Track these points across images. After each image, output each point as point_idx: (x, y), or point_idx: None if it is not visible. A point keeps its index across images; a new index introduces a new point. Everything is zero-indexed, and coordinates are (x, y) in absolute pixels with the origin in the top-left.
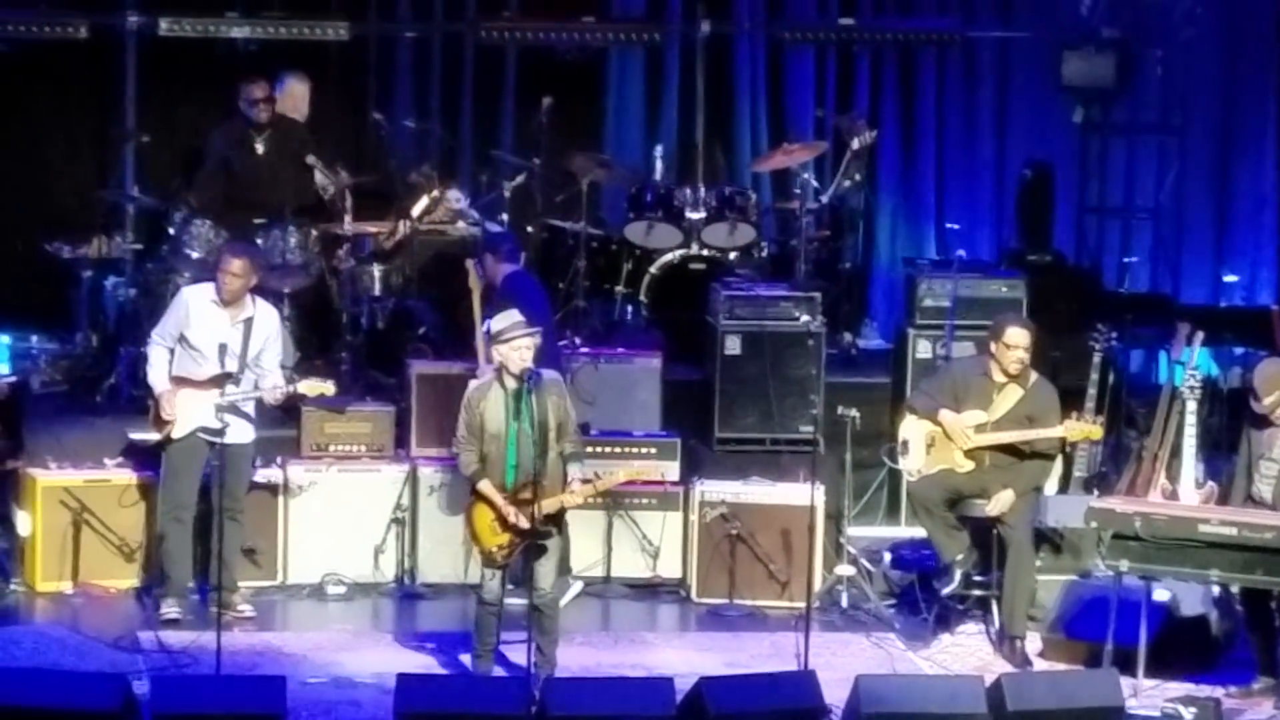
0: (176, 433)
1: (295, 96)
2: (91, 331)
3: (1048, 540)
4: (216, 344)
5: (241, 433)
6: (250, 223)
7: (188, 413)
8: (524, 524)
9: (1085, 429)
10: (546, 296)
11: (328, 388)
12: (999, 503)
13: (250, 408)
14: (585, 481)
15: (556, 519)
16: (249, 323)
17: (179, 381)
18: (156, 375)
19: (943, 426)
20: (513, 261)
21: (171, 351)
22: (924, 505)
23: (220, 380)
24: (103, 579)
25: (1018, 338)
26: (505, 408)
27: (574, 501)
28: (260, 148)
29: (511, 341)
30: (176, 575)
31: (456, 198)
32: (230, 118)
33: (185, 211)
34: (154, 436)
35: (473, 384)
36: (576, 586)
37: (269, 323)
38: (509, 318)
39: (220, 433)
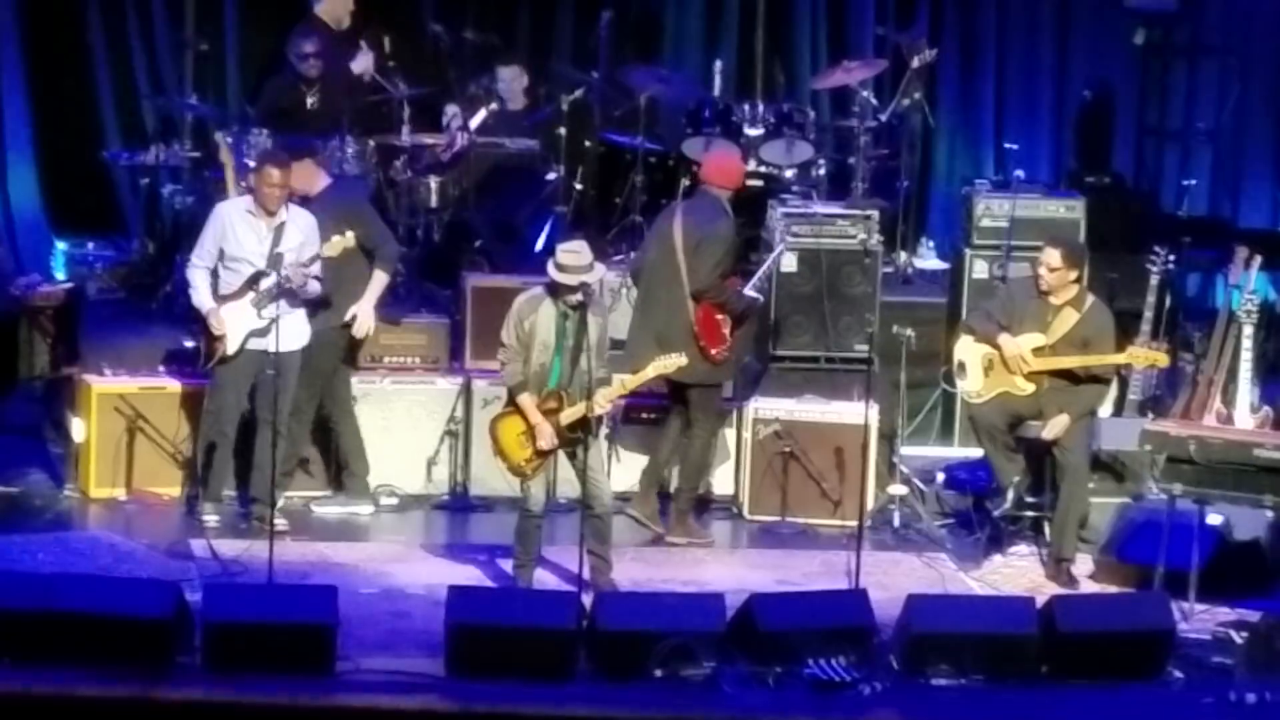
0: (231, 349)
1: (337, 3)
2: (148, 239)
3: (1102, 463)
4: (255, 254)
5: (291, 339)
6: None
7: (235, 326)
8: (553, 441)
9: (1150, 355)
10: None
11: (349, 240)
12: (1055, 427)
13: (292, 305)
14: (606, 384)
15: (585, 428)
16: (281, 227)
17: (222, 300)
18: (201, 296)
19: (1000, 350)
20: (328, 171)
21: (213, 274)
22: (988, 430)
23: (254, 280)
24: (156, 486)
25: (1045, 255)
26: (556, 326)
27: (602, 409)
28: (310, 101)
29: (573, 278)
30: (215, 484)
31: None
32: (282, 71)
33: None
34: (211, 361)
35: (523, 296)
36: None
37: (301, 225)
38: (576, 255)
39: (266, 331)
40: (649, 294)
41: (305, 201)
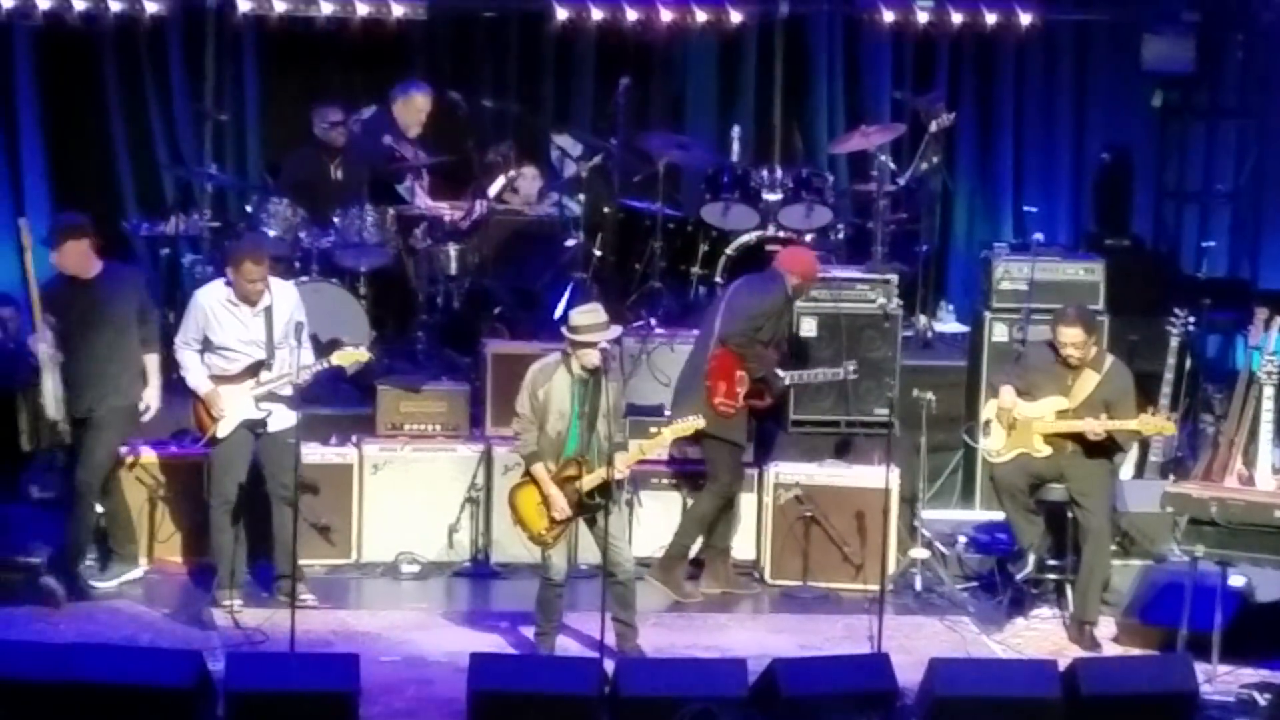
0: (221, 432)
1: (417, 108)
2: (168, 309)
3: (1123, 526)
4: (241, 340)
5: (280, 420)
6: (327, 205)
7: (231, 410)
8: (566, 511)
9: (1160, 424)
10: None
11: (361, 354)
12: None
13: (288, 392)
14: (623, 449)
15: (605, 494)
16: (269, 311)
17: (216, 381)
18: (195, 377)
19: (999, 401)
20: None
21: (201, 354)
22: (1009, 491)
23: (255, 369)
24: (177, 555)
25: (1066, 336)
26: (572, 393)
27: (621, 474)
28: (336, 173)
29: (590, 336)
30: (229, 568)
31: (534, 175)
32: (306, 145)
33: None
34: (202, 438)
35: (536, 365)
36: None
37: (288, 302)
38: (592, 314)
39: (263, 422)
40: (692, 355)
41: (81, 285)
